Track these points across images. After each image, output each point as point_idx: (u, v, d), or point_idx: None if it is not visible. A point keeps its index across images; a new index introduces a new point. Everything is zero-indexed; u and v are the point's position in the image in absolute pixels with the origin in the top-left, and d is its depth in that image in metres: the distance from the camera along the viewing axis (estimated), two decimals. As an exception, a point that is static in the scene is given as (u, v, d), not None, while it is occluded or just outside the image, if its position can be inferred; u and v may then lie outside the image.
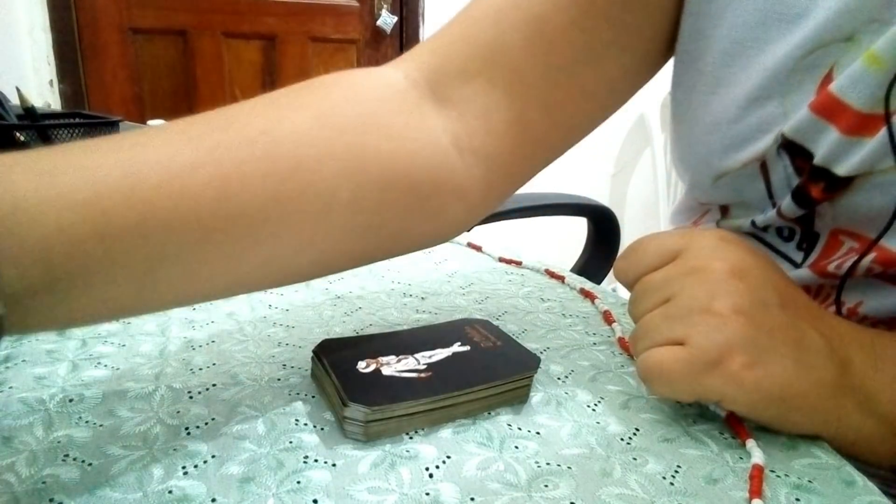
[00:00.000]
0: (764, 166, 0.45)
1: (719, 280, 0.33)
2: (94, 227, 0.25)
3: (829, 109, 0.40)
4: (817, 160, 0.42)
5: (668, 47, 0.48)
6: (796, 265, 0.48)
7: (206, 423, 0.35)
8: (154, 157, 0.27)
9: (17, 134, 0.60)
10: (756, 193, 0.47)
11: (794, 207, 0.45)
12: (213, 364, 0.41)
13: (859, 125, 0.39)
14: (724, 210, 0.53)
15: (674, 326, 0.33)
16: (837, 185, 0.42)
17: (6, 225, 0.23)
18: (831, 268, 0.45)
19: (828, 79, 0.40)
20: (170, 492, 0.29)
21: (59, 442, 0.33)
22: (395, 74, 0.40)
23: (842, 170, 0.41)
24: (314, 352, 0.39)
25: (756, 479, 0.31)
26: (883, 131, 0.38)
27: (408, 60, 0.42)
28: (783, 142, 0.43)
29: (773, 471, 0.33)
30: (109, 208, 0.25)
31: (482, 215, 0.43)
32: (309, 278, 0.37)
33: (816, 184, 0.42)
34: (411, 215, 0.38)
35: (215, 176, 0.28)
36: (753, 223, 0.49)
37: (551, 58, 0.41)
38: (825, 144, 0.41)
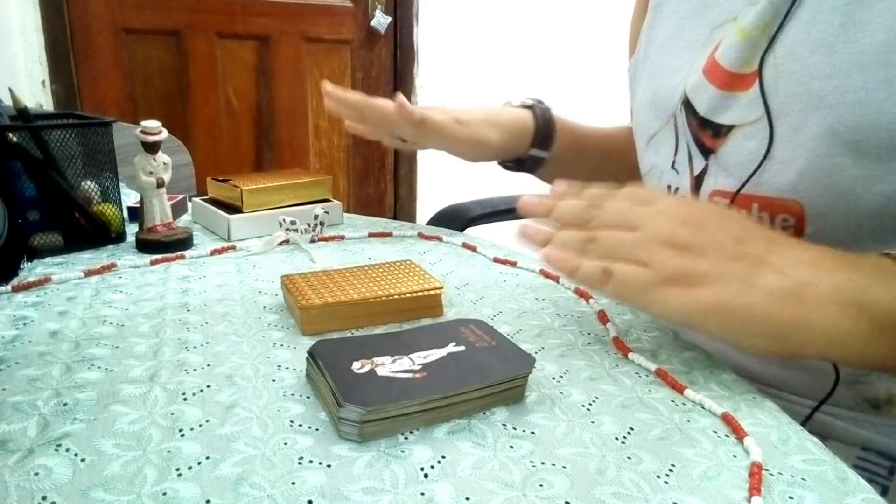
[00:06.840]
0: (675, 122, 0.58)
1: (678, 220, 0.42)
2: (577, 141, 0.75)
3: (710, 71, 0.53)
4: (703, 112, 0.54)
5: None
6: None
7: (201, 425, 0.35)
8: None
9: (10, 135, 0.59)
10: (668, 149, 0.59)
11: (700, 157, 0.55)
12: (208, 365, 0.41)
13: (732, 82, 0.51)
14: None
15: (638, 252, 0.42)
16: (720, 133, 0.53)
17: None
18: None
19: (716, 50, 0.54)
20: (164, 493, 0.29)
21: (52, 443, 0.32)
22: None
23: (723, 119, 0.52)
24: (309, 353, 0.39)
25: (756, 477, 0.31)
26: (755, 87, 0.49)
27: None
28: (684, 99, 0.56)
29: (766, 469, 0.33)
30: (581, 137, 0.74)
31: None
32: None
33: (706, 132, 0.54)
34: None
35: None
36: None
37: None
38: (706, 98, 0.53)
